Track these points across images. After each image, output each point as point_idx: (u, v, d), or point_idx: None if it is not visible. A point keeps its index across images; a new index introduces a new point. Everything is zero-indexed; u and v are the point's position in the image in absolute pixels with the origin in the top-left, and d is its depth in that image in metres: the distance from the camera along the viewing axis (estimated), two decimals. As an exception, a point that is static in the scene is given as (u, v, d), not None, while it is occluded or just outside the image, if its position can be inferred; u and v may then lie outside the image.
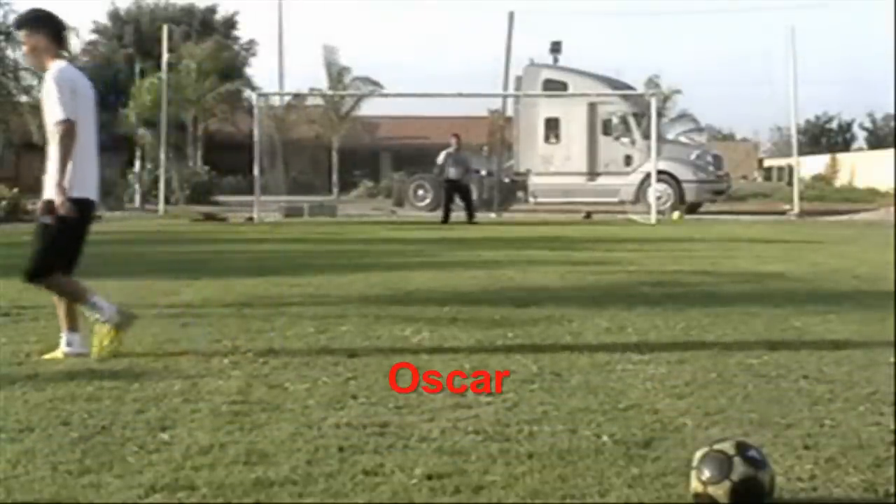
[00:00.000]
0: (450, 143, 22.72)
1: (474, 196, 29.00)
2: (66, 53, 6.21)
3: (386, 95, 39.94)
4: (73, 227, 5.75)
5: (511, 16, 28.69)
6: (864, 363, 5.67)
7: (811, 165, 52.19)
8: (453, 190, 22.57)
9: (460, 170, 22.39)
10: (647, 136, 26.89)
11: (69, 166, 5.65)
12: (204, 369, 5.47)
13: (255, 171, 25.78)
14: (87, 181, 5.84)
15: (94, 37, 46.57)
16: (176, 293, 8.93)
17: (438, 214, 22.78)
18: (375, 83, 43.21)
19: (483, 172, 30.14)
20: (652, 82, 41.58)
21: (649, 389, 5.01)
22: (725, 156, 34.21)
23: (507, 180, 29.23)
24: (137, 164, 32.67)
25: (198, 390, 4.93)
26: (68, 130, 5.67)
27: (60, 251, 5.80)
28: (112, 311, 5.86)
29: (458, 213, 22.43)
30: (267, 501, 3.39)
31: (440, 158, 22.78)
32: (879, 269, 11.22)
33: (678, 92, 46.96)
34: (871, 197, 37.58)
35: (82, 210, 5.75)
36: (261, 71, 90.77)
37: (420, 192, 29.37)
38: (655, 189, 25.14)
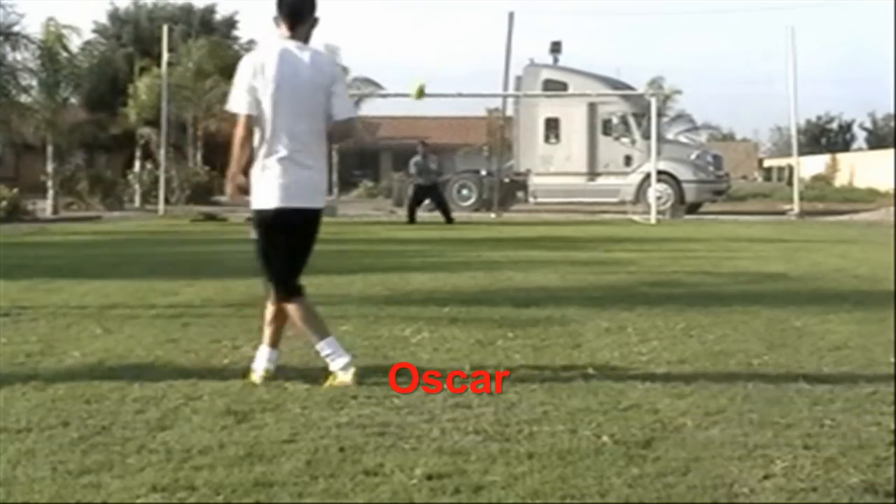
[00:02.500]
0: (435, 149, 23.30)
1: (474, 196, 29.22)
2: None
3: (386, 96, 39.83)
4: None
5: (511, 16, 28.68)
6: (864, 363, 5.67)
7: (811, 165, 52.19)
8: (421, 194, 22.93)
9: (428, 176, 22.75)
10: (647, 136, 26.89)
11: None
12: (204, 369, 5.46)
13: (255, 171, 25.74)
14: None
15: (93, 37, 46.54)
16: (176, 293, 8.93)
17: (438, 215, 22.86)
18: (375, 84, 43.19)
19: (483, 172, 30.16)
20: (655, 83, 41.54)
21: (649, 389, 5.00)
22: (725, 156, 34.22)
23: (507, 180, 29.23)
24: (137, 164, 32.65)
25: (198, 390, 4.92)
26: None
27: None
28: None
29: (450, 214, 22.61)
30: (267, 501, 3.39)
31: (410, 166, 23.21)
32: (879, 269, 11.21)
33: (678, 92, 46.97)
34: (871, 197, 37.57)
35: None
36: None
37: (420, 192, 29.37)
38: (655, 189, 25.15)
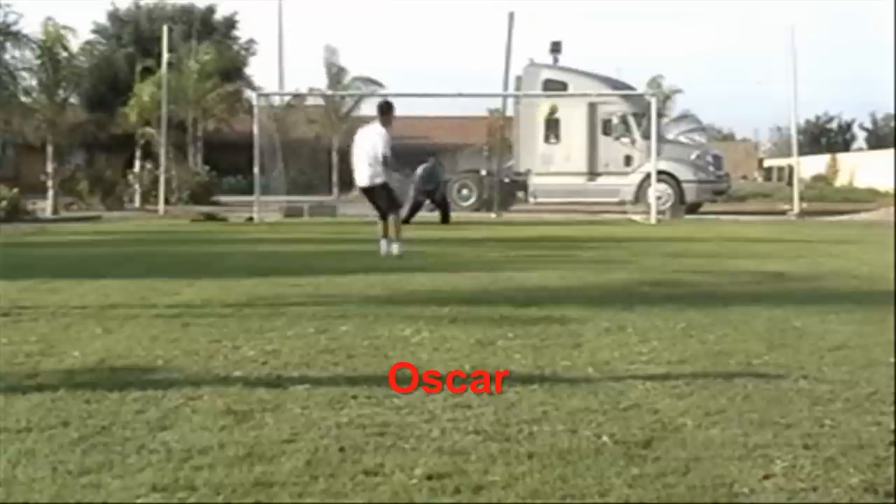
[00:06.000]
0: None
1: (474, 196, 29.27)
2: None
3: (386, 96, 39.85)
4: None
5: (511, 16, 28.63)
6: (864, 363, 5.67)
7: (811, 165, 52.12)
8: (425, 197, 23.00)
9: (434, 183, 23.02)
10: (647, 136, 26.88)
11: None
12: (204, 369, 5.47)
13: (256, 171, 25.79)
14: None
15: (93, 37, 46.52)
16: (176, 293, 8.93)
17: (438, 215, 22.87)
18: (376, 82, 43.16)
19: (483, 172, 30.16)
20: (655, 82, 41.54)
21: (649, 389, 5.00)
22: (725, 156, 34.20)
23: (507, 180, 29.23)
24: (137, 164, 32.64)
25: (198, 390, 4.93)
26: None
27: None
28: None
29: (457, 214, 22.57)
30: (267, 501, 3.39)
31: (418, 172, 23.27)
32: (879, 269, 11.21)
33: (679, 91, 46.93)
34: (871, 197, 37.52)
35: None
36: (261, 71, 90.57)
37: (420, 192, 29.39)
38: (655, 189, 25.14)
